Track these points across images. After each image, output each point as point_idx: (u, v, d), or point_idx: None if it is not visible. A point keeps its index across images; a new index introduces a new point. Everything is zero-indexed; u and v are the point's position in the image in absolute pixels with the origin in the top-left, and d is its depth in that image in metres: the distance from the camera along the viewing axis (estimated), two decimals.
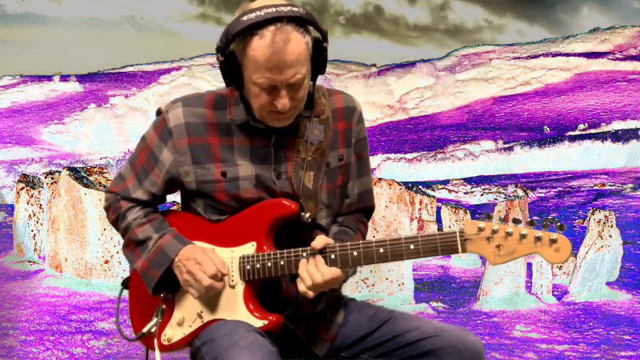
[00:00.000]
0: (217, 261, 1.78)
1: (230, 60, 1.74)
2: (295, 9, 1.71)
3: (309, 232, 1.85)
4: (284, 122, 1.80)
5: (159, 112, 1.88)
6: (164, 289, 1.85)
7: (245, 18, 1.69)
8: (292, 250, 1.77)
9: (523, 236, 1.64)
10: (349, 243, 1.76)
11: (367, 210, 2.00)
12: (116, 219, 1.91)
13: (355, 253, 1.75)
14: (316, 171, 1.84)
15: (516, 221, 1.66)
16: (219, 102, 1.86)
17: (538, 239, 1.63)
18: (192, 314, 1.83)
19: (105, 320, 5.93)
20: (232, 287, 1.80)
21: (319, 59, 1.78)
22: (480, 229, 1.66)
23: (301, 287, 1.75)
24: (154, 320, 1.86)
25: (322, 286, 1.75)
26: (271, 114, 1.77)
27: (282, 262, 1.77)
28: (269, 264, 1.77)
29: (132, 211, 1.88)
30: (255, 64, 1.70)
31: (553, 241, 1.62)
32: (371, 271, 7.26)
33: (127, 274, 2.01)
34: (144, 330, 1.87)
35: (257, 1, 1.73)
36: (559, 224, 1.63)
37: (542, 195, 33.26)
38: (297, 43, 1.71)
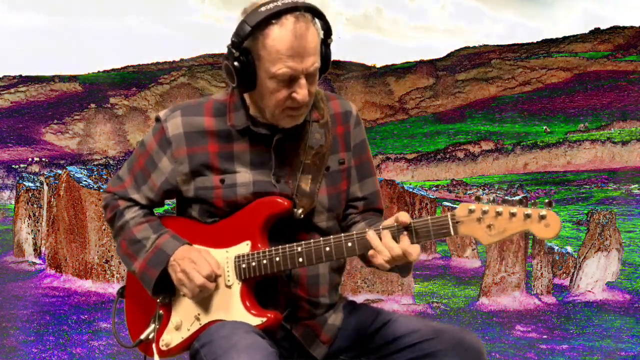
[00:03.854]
0: (212, 262, 1.77)
1: (244, 57, 1.73)
2: (307, 0, 1.73)
3: (305, 231, 1.84)
4: (297, 119, 1.79)
5: (158, 119, 1.88)
6: (163, 291, 1.85)
7: (263, 9, 1.69)
8: (287, 245, 1.76)
9: (513, 214, 1.64)
10: (342, 235, 1.75)
11: (375, 212, 1.98)
12: (113, 216, 1.91)
13: (349, 244, 1.74)
14: (314, 174, 1.83)
15: (506, 201, 1.67)
16: (218, 108, 1.85)
17: (527, 216, 1.63)
18: (189, 317, 1.82)
19: (105, 320, 5.93)
20: (229, 287, 1.80)
21: (324, 57, 1.78)
22: (471, 211, 1.67)
23: (378, 259, 1.70)
24: (152, 326, 1.85)
25: (400, 258, 1.70)
26: (285, 111, 1.76)
27: (277, 259, 1.76)
28: (265, 261, 1.77)
29: (130, 210, 1.88)
30: (277, 54, 1.69)
31: (542, 217, 1.62)
32: (371, 271, 7.26)
33: (126, 275, 1.99)
34: (142, 337, 1.86)
35: None
36: (547, 201, 1.64)
37: (542, 195, 33.25)
38: (314, 32, 1.72)
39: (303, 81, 1.72)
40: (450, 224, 1.68)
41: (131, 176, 1.89)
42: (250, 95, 1.81)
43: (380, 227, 1.72)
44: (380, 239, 1.71)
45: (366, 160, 1.95)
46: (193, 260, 1.76)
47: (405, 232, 1.70)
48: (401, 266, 1.77)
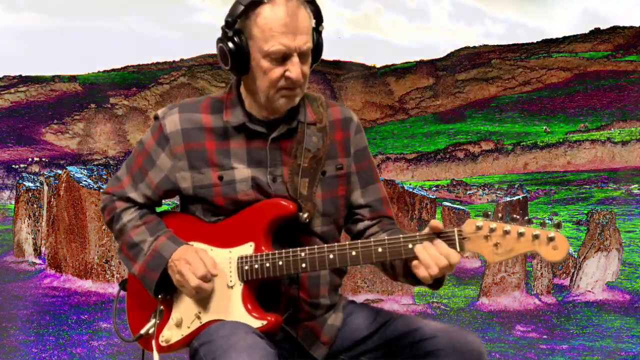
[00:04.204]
0: (208, 262, 1.77)
1: (237, 37, 1.75)
2: None
3: (307, 234, 1.84)
4: (292, 101, 1.79)
5: (156, 117, 1.89)
6: (164, 291, 1.85)
7: None
8: (291, 250, 1.76)
9: (521, 234, 1.63)
10: (347, 243, 1.76)
11: (385, 219, 1.95)
12: (111, 219, 1.91)
13: (353, 252, 1.74)
14: (311, 178, 1.83)
15: (514, 219, 1.66)
16: (215, 106, 1.86)
17: (536, 237, 1.63)
18: (190, 315, 1.83)
19: (105, 320, 5.93)
20: (231, 287, 1.80)
21: (315, 43, 1.80)
22: (479, 228, 1.66)
23: (422, 272, 1.69)
24: (152, 321, 1.86)
25: (448, 269, 1.69)
26: (280, 92, 1.77)
27: (280, 263, 1.76)
28: (267, 265, 1.76)
29: (127, 212, 1.88)
30: (270, 31, 1.72)
31: (551, 239, 1.62)
32: (371, 271, 7.26)
33: (126, 275, 1.99)
34: (142, 331, 1.86)
35: None
36: (556, 222, 1.63)
37: (542, 195, 33.25)
38: (305, 13, 1.76)
39: (296, 59, 1.74)
40: (457, 240, 1.68)
41: (129, 175, 1.89)
42: (245, 81, 1.82)
43: (386, 239, 1.72)
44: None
45: (368, 167, 1.94)
46: (188, 262, 1.76)
47: (410, 246, 1.70)
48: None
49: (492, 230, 1.65)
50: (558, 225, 1.62)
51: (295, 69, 1.74)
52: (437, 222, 1.70)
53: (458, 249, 1.68)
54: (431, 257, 1.67)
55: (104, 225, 7.94)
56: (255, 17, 1.73)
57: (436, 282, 1.77)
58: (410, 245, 1.70)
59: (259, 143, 1.82)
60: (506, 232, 1.64)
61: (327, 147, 1.86)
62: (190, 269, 1.75)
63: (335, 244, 1.76)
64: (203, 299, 1.81)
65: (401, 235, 1.72)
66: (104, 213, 1.94)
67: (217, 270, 1.78)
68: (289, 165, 1.82)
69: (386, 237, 1.73)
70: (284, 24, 1.71)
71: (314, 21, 1.79)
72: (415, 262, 1.70)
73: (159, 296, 1.84)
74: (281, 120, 1.83)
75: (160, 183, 1.86)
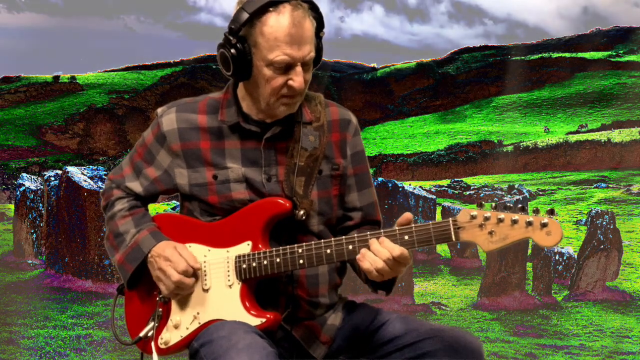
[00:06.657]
0: (188, 257, 1.79)
1: (241, 44, 1.75)
2: None
3: (304, 233, 1.85)
4: (292, 108, 1.80)
5: (156, 114, 1.92)
6: (139, 283, 1.87)
7: None
8: (288, 247, 1.77)
9: (514, 221, 1.65)
10: (344, 237, 1.76)
11: (373, 224, 1.97)
12: (106, 205, 1.96)
13: (350, 247, 1.75)
14: (307, 177, 1.84)
15: (508, 208, 1.68)
16: (211, 106, 1.88)
17: (529, 223, 1.64)
18: (188, 316, 1.83)
19: (105, 320, 5.94)
20: (229, 287, 1.81)
21: (317, 49, 1.80)
22: (473, 217, 1.67)
23: (365, 264, 1.71)
24: (151, 324, 1.86)
25: (395, 265, 1.70)
26: (281, 100, 1.78)
27: (277, 260, 1.77)
28: (265, 262, 1.78)
29: (120, 202, 1.92)
30: (275, 41, 1.71)
31: (544, 225, 1.63)
32: None
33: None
34: (141, 334, 1.86)
35: None
36: (549, 208, 1.65)
37: (542, 195, 33.28)
38: (310, 22, 1.76)
39: (299, 69, 1.75)
40: (452, 229, 1.68)
41: (130, 166, 1.94)
42: (245, 86, 1.83)
43: (382, 232, 1.73)
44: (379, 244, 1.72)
45: (365, 170, 1.96)
46: (168, 258, 1.79)
47: (406, 237, 1.71)
48: (385, 282, 1.79)
49: (486, 218, 1.66)
50: (551, 212, 1.64)
51: (298, 78, 1.75)
52: (407, 215, 1.72)
53: (453, 239, 1.69)
54: (375, 251, 1.70)
55: (104, 225, 7.99)
56: (260, 25, 1.72)
57: (388, 285, 1.82)
58: (406, 237, 1.72)
59: (254, 143, 1.84)
60: (500, 220, 1.66)
61: (324, 147, 1.87)
62: (171, 265, 1.78)
63: (332, 239, 1.77)
64: (201, 299, 1.81)
65: (397, 228, 1.73)
66: (102, 197, 1.98)
67: (198, 264, 1.80)
68: (284, 165, 1.83)
69: (382, 231, 1.74)
70: (289, 34, 1.71)
71: (316, 26, 1.78)
72: (359, 256, 1.72)
73: (157, 298, 1.85)
74: (276, 121, 1.84)
75: (160, 178, 1.89)
